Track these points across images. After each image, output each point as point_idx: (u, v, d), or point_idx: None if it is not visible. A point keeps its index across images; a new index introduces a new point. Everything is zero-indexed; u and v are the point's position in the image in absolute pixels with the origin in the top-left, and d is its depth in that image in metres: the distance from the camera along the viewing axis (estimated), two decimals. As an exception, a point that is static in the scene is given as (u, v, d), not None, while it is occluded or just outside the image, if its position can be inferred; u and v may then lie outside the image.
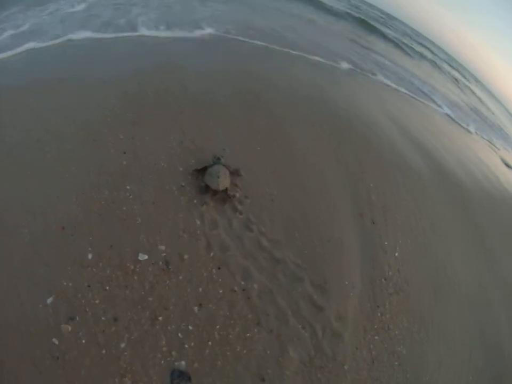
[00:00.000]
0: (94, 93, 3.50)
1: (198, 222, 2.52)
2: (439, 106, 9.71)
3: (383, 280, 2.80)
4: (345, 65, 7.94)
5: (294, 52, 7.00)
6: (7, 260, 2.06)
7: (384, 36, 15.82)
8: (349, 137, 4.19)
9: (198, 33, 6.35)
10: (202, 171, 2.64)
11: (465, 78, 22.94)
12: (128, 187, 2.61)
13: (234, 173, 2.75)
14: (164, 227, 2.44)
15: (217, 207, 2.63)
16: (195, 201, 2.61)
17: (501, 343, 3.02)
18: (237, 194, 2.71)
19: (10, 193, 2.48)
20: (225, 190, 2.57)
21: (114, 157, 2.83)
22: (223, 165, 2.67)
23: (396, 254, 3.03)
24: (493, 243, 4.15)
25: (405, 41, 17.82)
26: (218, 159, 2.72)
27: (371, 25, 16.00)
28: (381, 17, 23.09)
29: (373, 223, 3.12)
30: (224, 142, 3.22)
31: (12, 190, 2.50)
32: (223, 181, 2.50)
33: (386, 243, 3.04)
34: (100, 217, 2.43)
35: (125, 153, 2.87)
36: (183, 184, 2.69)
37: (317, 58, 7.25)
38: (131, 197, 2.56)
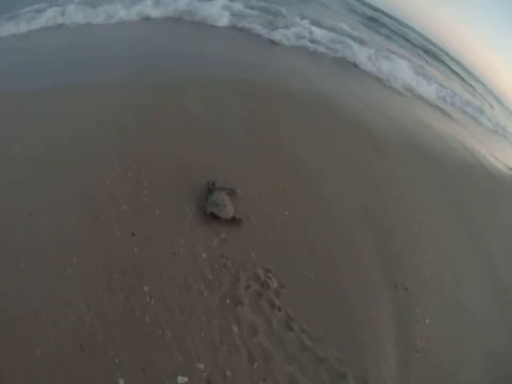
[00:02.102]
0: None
1: (236, 329, 2.24)
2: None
3: (415, 354, 2.83)
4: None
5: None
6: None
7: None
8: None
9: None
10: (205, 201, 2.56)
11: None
12: (146, 288, 2.23)
13: (232, 194, 2.67)
14: (198, 340, 2.15)
15: (253, 304, 2.35)
16: (228, 301, 2.31)
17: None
18: (242, 218, 2.57)
19: (9, 296, 2.10)
20: (233, 217, 2.52)
21: (122, 242, 2.36)
22: (221, 189, 2.62)
23: (427, 321, 3.03)
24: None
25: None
26: (213, 184, 2.64)
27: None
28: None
29: (406, 289, 3.03)
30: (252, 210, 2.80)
31: (10, 294, 2.12)
32: (229, 208, 2.46)
33: (418, 311, 3.01)
34: (121, 331, 2.09)
35: (133, 234, 2.40)
36: (210, 278, 2.34)
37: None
38: (153, 301, 2.19)
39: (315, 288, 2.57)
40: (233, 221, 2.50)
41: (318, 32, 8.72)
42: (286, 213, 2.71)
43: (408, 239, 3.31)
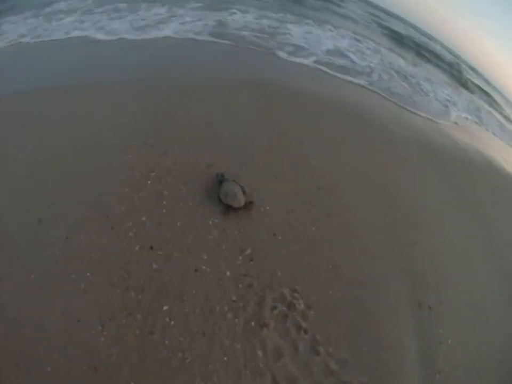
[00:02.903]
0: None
1: (260, 353, 2.10)
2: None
3: (437, 375, 2.73)
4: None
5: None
6: None
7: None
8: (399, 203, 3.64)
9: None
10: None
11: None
12: (165, 307, 2.07)
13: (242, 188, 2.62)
14: (221, 364, 2.00)
15: (278, 327, 2.21)
16: (253, 323, 2.16)
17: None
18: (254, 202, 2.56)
19: (17, 309, 1.98)
20: (245, 204, 2.48)
21: (140, 256, 2.20)
22: (231, 181, 2.58)
23: (449, 342, 2.93)
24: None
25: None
26: (222, 175, 2.62)
27: None
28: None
29: (430, 309, 2.92)
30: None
31: (17, 307, 2.01)
32: (240, 196, 2.45)
33: (441, 331, 2.91)
34: (137, 353, 1.94)
35: (152, 248, 2.24)
36: (234, 298, 2.19)
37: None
38: (172, 323, 2.04)
39: (342, 309, 2.44)
40: (246, 206, 2.47)
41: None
42: (313, 229, 2.57)
43: (432, 256, 3.19)
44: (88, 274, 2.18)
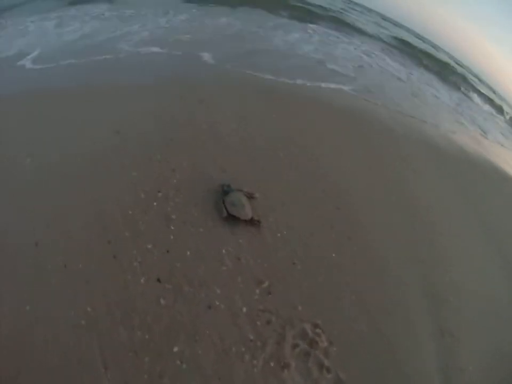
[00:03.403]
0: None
1: (281, 398, 1.94)
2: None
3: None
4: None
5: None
6: None
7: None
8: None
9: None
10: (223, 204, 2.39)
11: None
12: (176, 349, 1.87)
13: (249, 196, 2.53)
14: (238, 413, 1.84)
15: (300, 366, 2.03)
16: (272, 364, 1.97)
17: None
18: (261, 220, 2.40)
19: (10, 345, 1.80)
20: (252, 218, 2.36)
21: (146, 290, 1.99)
22: (237, 190, 2.47)
23: (470, 368, 2.78)
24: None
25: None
26: (228, 186, 2.51)
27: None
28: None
29: (452, 336, 2.77)
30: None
31: (10, 343, 1.81)
32: (248, 209, 2.34)
33: (462, 358, 2.75)
34: None
35: (159, 281, 2.02)
36: (252, 337, 1.98)
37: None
38: (184, 366, 1.83)
39: (365, 343, 2.25)
40: (252, 222, 2.33)
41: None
42: (334, 255, 2.37)
43: (453, 278, 3.04)
44: (89, 309, 1.96)
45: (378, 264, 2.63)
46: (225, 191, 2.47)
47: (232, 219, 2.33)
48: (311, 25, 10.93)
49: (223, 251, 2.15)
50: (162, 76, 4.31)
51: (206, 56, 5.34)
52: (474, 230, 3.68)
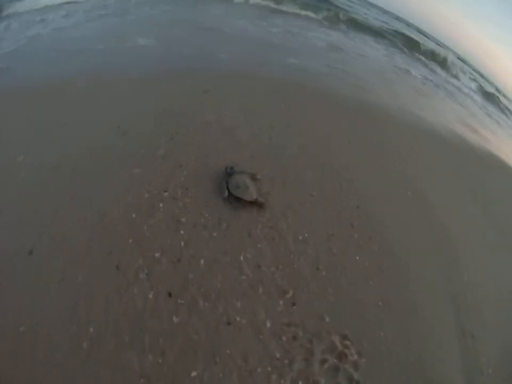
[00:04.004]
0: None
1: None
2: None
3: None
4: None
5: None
6: None
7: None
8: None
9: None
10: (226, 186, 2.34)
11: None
12: (194, 373, 1.64)
13: (253, 177, 2.51)
14: None
15: (329, 381, 1.85)
16: (300, 383, 1.79)
17: None
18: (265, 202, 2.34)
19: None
20: (256, 199, 2.30)
21: (156, 306, 1.74)
22: (241, 172, 2.44)
23: (490, 371, 2.72)
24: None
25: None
26: (232, 168, 2.48)
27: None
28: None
29: (473, 337, 2.69)
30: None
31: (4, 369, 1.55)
32: (252, 190, 2.30)
33: (483, 360, 2.68)
34: None
35: (170, 295, 1.78)
36: (278, 355, 1.75)
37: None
38: (203, 393, 1.63)
39: (393, 351, 2.11)
40: (257, 203, 2.30)
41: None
42: (357, 258, 2.19)
43: (472, 277, 2.95)
44: (91, 329, 1.70)
45: (401, 264, 2.48)
46: (228, 173, 2.45)
47: (234, 200, 2.27)
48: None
49: (241, 258, 1.92)
50: (163, 67, 3.97)
51: (208, 46, 5.00)
52: (489, 228, 3.62)
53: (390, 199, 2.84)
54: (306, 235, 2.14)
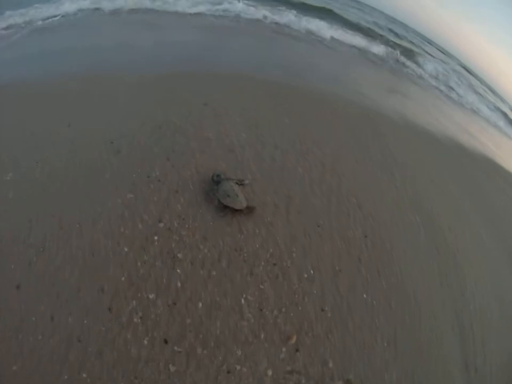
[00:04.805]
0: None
1: None
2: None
3: None
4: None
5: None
6: None
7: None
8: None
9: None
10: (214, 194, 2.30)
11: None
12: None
13: (240, 183, 2.46)
14: None
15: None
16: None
17: None
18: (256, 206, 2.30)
19: None
20: (247, 206, 2.26)
21: (151, 354, 1.63)
22: (228, 179, 2.37)
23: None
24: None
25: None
26: (219, 175, 2.39)
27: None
28: None
29: (476, 371, 2.61)
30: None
31: None
32: (242, 197, 2.24)
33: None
34: None
35: (166, 342, 1.66)
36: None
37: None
38: None
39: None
40: (247, 210, 2.25)
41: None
42: (364, 295, 2.08)
43: (478, 306, 2.86)
44: (84, 375, 1.60)
45: (409, 299, 2.37)
46: (215, 181, 2.37)
47: (224, 209, 2.21)
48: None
49: (242, 301, 1.80)
50: (159, 73, 3.72)
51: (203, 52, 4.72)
52: (492, 249, 3.51)
53: (397, 224, 2.71)
54: (312, 272, 2.01)
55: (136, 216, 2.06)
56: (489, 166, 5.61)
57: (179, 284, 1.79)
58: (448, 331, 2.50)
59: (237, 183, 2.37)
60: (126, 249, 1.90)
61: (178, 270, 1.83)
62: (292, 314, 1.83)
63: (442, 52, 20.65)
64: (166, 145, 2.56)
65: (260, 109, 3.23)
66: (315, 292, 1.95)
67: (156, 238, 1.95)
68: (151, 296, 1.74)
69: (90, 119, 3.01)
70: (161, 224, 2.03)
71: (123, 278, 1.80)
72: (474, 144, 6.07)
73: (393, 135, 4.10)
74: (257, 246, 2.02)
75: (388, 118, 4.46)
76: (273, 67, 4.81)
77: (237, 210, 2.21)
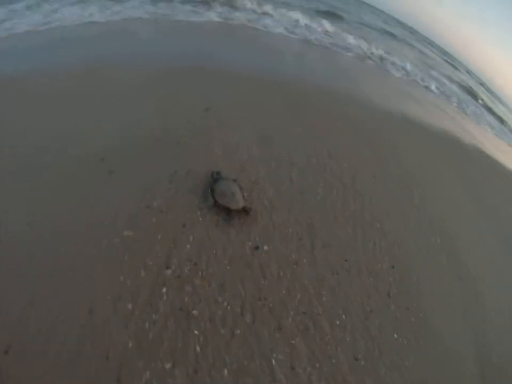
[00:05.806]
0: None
1: None
2: None
3: None
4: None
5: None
6: None
7: None
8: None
9: None
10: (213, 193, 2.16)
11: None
12: None
13: (240, 184, 2.32)
14: None
15: None
16: None
17: None
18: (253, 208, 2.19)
19: None
20: (244, 207, 2.15)
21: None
22: (228, 179, 2.23)
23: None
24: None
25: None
26: (218, 173, 2.29)
27: None
28: None
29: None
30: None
31: None
32: (239, 197, 2.13)
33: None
34: None
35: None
36: None
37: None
38: None
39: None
40: (244, 211, 2.13)
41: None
42: (395, 336, 1.93)
43: (496, 337, 2.82)
44: None
45: (434, 336, 2.25)
46: (214, 178, 2.25)
47: (222, 209, 2.08)
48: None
49: (273, 361, 1.57)
50: (159, 73, 3.16)
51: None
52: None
53: (421, 250, 2.55)
54: (343, 317, 1.82)
55: (137, 260, 1.72)
56: (496, 174, 5.60)
57: (198, 349, 1.52)
58: (470, 367, 2.43)
59: (236, 183, 2.20)
60: (129, 307, 1.57)
61: (195, 331, 1.55)
62: (325, 369, 1.64)
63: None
64: (168, 166, 2.17)
65: (269, 115, 2.86)
66: (348, 339, 1.77)
67: (164, 290, 1.64)
68: (168, 366, 1.46)
69: (79, 128, 2.50)
70: (169, 271, 1.71)
71: (130, 344, 1.49)
72: (491, 160, 5.99)
73: (409, 146, 3.89)
74: (284, 292, 1.78)
75: (402, 128, 4.24)
76: (281, 70, 4.34)
77: (233, 211, 2.06)
